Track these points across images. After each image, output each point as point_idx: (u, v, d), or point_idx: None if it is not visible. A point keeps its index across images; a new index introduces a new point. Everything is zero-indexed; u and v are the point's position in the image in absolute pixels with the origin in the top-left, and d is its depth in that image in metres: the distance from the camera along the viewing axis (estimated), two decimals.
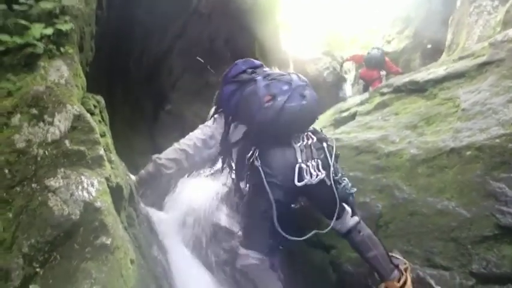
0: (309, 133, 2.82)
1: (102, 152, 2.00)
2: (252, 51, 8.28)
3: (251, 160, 2.70)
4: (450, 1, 9.40)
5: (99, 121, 2.36)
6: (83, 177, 1.80)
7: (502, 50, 3.64)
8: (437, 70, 4.09)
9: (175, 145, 3.00)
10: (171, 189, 3.74)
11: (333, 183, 2.70)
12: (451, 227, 2.73)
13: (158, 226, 2.90)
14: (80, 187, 1.76)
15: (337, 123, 4.60)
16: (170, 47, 6.10)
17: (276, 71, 2.97)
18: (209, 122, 3.07)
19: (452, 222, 2.74)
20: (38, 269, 1.56)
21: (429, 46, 11.32)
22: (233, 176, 3.08)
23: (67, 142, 1.88)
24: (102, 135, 2.22)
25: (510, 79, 3.32)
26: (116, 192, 2.02)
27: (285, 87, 2.69)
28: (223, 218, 3.44)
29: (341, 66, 12.58)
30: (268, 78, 2.75)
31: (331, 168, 2.72)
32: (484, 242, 2.58)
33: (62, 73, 2.21)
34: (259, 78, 2.76)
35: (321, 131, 3.04)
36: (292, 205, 3.17)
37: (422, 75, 4.19)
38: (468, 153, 2.97)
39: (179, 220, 3.45)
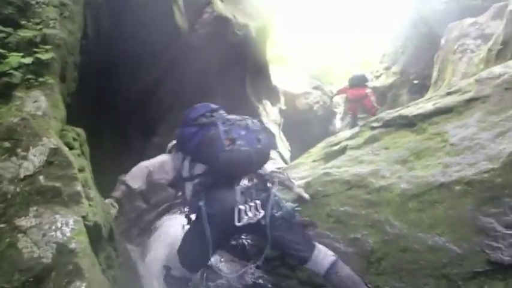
0: (253, 175, 3.08)
1: (79, 188, 1.90)
2: (242, 85, 8.31)
3: (197, 200, 2.93)
4: (435, 39, 9.72)
5: (79, 155, 2.27)
6: (57, 216, 1.69)
7: (487, 86, 3.69)
8: (425, 105, 4.12)
9: (138, 166, 3.17)
10: (153, 228, 3.73)
11: (268, 223, 2.93)
12: (442, 263, 2.67)
13: (141, 266, 2.79)
14: (54, 227, 1.65)
15: (328, 157, 4.55)
16: (160, 79, 6.07)
17: (232, 116, 3.16)
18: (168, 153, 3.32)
19: (444, 259, 2.68)
20: None
21: (416, 82, 11.53)
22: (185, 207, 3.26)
23: (41, 178, 1.78)
24: (81, 170, 2.13)
25: (496, 115, 3.35)
26: (93, 231, 1.90)
27: (243, 132, 2.99)
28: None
29: (331, 100, 12.68)
30: (228, 124, 3.02)
31: (268, 210, 2.95)
32: (475, 278, 2.53)
33: (40, 104, 2.13)
34: (219, 123, 3.02)
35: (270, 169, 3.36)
36: (233, 242, 3.47)
37: (412, 110, 4.22)
38: (458, 188, 2.95)
39: (163, 260, 3.34)
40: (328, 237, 3.27)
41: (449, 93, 4.11)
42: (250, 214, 2.87)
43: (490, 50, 6.40)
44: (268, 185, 3.18)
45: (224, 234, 2.99)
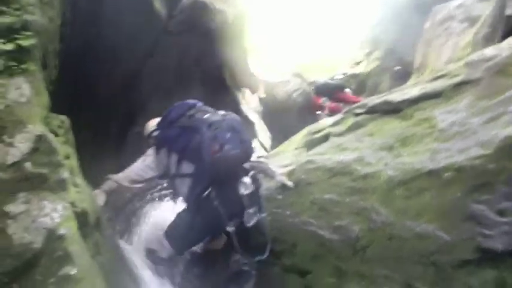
0: (248, 180, 3.21)
1: (66, 175, 1.86)
2: (221, 74, 8.23)
3: (208, 197, 3.10)
4: (418, 23, 9.49)
5: (64, 142, 2.21)
6: (45, 202, 1.67)
7: (478, 70, 3.57)
8: (411, 90, 4.01)
9: (127, 169, 3.40)
10: (138, 215, 3.77)
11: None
12: (430, 251, 2.63)
13: (127, 253, 2.75)
14: (42, 213, 1.63)
15: (310, 144, 4.49)
16: (139, 66, 5.95)
17: (214, 116, 3.28)
18: (149, 152, 3.43)
19: (432, 246, 2.64)
20: None
21: (397, 68, 11.46)
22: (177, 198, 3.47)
23: (28, 165, 1.74)
24: (67, 157, 2.08)
25: (488, 99, 3.23)
26: (81, 218, 1.89)
27: (228, 135, 3.14)
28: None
29: (310, 87, 12.67)
30: (213, 128, 3.14)
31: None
32: (465, 266, 2.48)
33: (23, 91, 2.05)
34: (204, 129, 3.13)
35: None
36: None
37: (397, 95, 4.12)
38: (447, 174, 2.87)
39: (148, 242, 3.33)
40: (312, 225, 3.26)
41: (437, 78, 3.98)
42: (255, 218, 3.19)
43: (476, 33, 6.17)
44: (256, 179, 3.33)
45: (217, 231, 3.28)
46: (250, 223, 3.16)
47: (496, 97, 3.18)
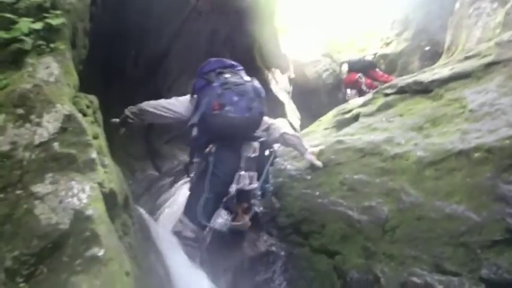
0: (255, 145, 3.34)
1: (94, 155, 1.87)
2: (251, 53, 8.16)
3: (206, 154, 3.23)
4: (449, 3, 9.37)
5: (92, 122, 2.22)
6: (73, 183, 1.66)
7: (509, 50, 3.53)
8: (442, 70, 3.97)
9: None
10: (165, 195, 3.83)
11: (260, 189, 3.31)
12: (460, 231, 2.61)
13: (155, 233, 2.79)
14: (70, 193, 1.62)
15: (340, 125, 4.47)
16: (167, 47, 5.95)
17: (236, 78, 3.36)
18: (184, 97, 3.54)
19: (462, 227, 2.62)
20: (22, 284, 1.42)
21: (427, 48, 11.24)
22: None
23: (56, 145, 1.75)
24: (95, 137, 2.09)
25: None
26: (109, 198, 1.88)
27: (235, 98, 3.18)
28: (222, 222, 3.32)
29: (340, 68, 12.48)
30: (224, 87, 3.22)
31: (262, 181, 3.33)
32: (494, 246, 2.46)
33: (52, 71, 2.06)
34: (215, 85, 3.24)
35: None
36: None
37: (427, 75, 4.07)
38: (477, 155, 2.85)
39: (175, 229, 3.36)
40: (341, 205, 3.25)
41: (467, 58, 3.95)
42: (246, 181, 3.23)
43: (507, 14, 6.08)
44: (266, 153, 3.43)
45: (223, 189, 3.23)
46: (240, 186, 3.20)
47: None
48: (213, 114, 3.16)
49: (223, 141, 3.26)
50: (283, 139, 3.61)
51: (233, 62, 3.57)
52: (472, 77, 3.62)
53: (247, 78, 3.45)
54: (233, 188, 3.20)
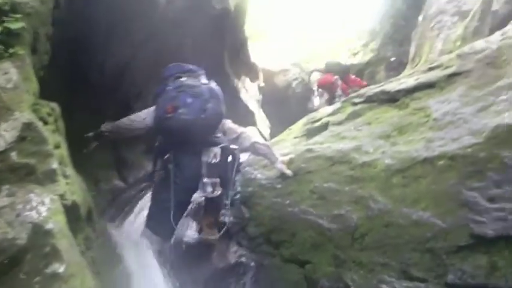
0: (216, 150, 3.28)
1: (55, 165, 1.79)
2: (221, 61, 8.14)
3: (165, 161, 3.22)
4: (413, 16, 9.89)
5: (54, 131, 2.14)
6: (32, 195, 1.59)
7: (469, 61, 3.66)
8: (408, 80, 4.06)
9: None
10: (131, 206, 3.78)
11: (227, 197, 3.32)
12: (426, 237, 2.67)
13: (120, 247, 2.71)
14: (28, 206, 1.54)
15: (309, 133, 4.49)
16: (134, 53, 5.83)
17: (192, 81, 3.34)
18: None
19: (428, 233, 2.68)
20: None
21: (393, 59, 11.60)
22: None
23: (14, 154, 1.66)
24: (57, 146, 2.02)
25: (478, 89, 3.34)
26: (71, 211, 1.81)
27: (189, 100, 3.16)
28: (191, 234, 3.26)
29: (309, 77, 12.62)
30: (178, 90, 3.22)
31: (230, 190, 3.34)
32: (459, 252, 2.53)
33: (10, 76, 1.97)
34: (169, 88, 3.26)
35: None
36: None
37: (394, 85, 4.16)
38: (441, 162, 2.93)
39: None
40: (311, 214, 3.25)
41: (431, 69, 4.05)
42: (209, 189, 3.16)
43: (466, 27, 6.45)
44: (229, 159, 3.41)
45: (186, 197, 3.16)
46: (206, 193, 3.15)
47: (486, 87, 3.30)
48: (166, 117, 3.14)
49: (182, 147, 3.22)
50: (254, 148, 3.59)
51: (193, 67, 3.56)
52: (436, 87, 3.72)
53: (204, 81, 3.44)
54: (198, 198, 3.14)
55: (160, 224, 3.16)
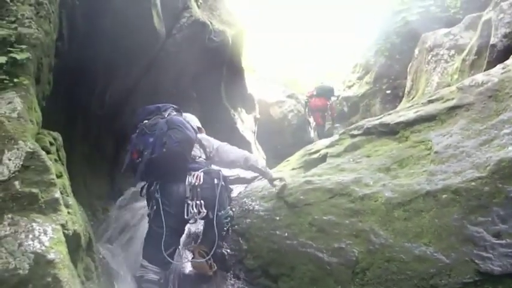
0: (198, 173, 3.35)
1: (58, 194, 1.77)
2: (218, 93, 8.20)
3: (152, 192, 3.33)
4: (408, 49, 10.02)
5: (56, 160, 2.13)
6: (34, 224, 1.56)
7: (470, 94, 3.67)
8: (407, 113, 4.06)
9: None
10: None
11: (215, 219, 3.30)
12: (430, 273, 2.63)
13: (118, 277, 2.66)
14: (31, 236, 1.52)
15: (307, 165, 4.45)
16: (135, 85, 5.88)
17: (154, 120, 3.45)
18: None
19: (431, 269, 2.64)
20: None
21: (388, 92, 11.70)
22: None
23: (17, 183, 1.65)
24: (59, 175, 2.00)
25: (480, 123, 3.34)
26: (72, 241, 1.78)
27: (151, 140, 3.30)
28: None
29: (305, 109, 12.74)
30: (141, 134, 3.40)
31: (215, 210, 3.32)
32: None
33: (15, 106, 1.98)
34: (133, 136, 3.45)
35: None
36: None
37: (393, 117, 4.16)
38: (444, 196, 2.91)
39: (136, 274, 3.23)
40: (310, 247, 3.20)
41: (430, 101, 4.07)
42: (195, 210, 3.22)
43: (464, 60, 6.51)
44: (215, 181, 3.42)
45: (177, 224, 3.33)
46: (190, 216, 3.24)
47: (489, 121, 3.32)
48: (136, 162, 3.32)
49: (165, 177, 3.35)
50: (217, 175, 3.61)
51: (159, 105, 3.66)
52: (437, 120, 3.72)
53: (165, 114, 3.54)
54: (191, 228, 3.28)
55: (155, 252, 3.17)
